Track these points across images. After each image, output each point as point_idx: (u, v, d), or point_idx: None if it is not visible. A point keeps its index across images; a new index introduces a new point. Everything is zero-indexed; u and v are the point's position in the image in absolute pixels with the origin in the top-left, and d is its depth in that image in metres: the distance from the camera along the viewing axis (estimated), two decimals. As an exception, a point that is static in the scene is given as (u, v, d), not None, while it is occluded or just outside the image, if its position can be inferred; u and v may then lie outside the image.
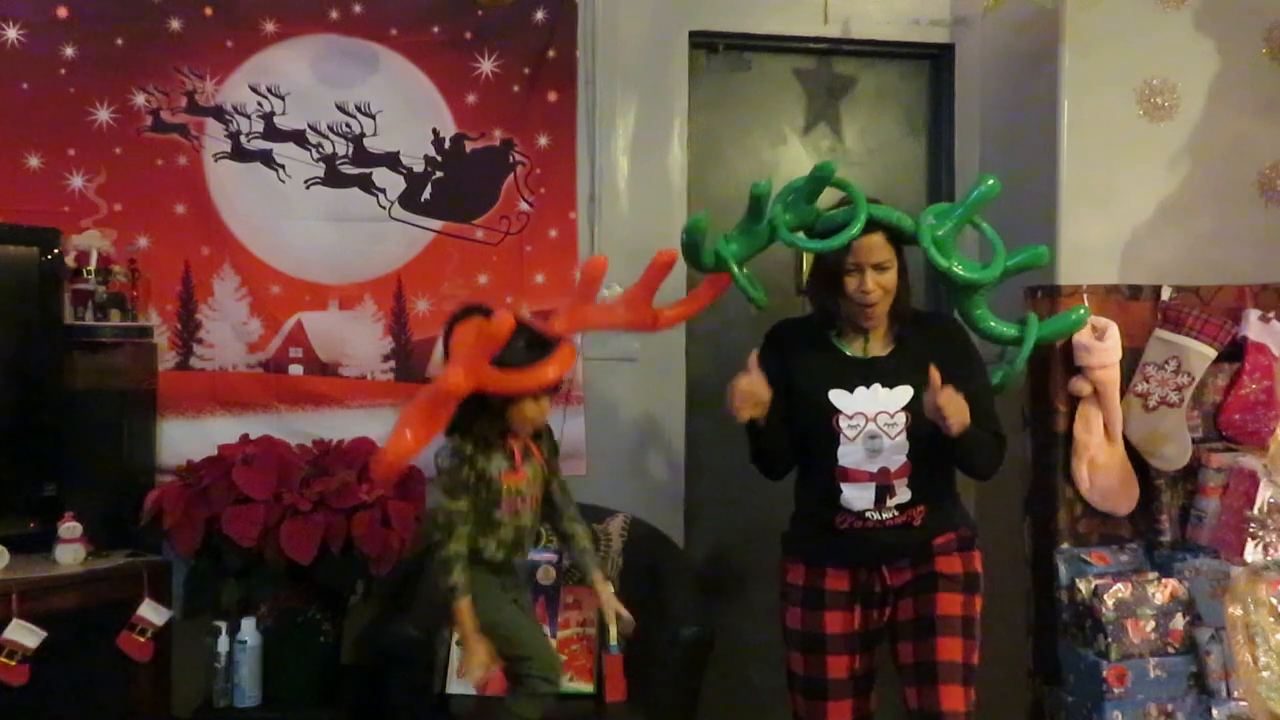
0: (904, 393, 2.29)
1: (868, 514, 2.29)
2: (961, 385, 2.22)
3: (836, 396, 2.32)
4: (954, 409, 2.17)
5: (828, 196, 2.41)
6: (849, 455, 2.29)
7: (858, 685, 2.37)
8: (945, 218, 2.32)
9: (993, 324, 2.45)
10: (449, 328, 2.27)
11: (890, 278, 2.30)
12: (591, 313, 2.42)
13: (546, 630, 2.85)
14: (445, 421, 2.14)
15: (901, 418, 2.28)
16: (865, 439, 2.28)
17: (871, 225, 2.26)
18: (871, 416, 2.29)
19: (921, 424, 2.27)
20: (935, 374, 2.19)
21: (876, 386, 2.31)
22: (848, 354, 2.38)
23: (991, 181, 2.27)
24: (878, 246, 2.28)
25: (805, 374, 2.39)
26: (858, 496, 2.29)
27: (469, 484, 2.25)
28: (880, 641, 2.40)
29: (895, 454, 2.27)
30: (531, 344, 2.20)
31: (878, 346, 2.38)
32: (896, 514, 2.30)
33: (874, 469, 2.28)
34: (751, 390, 2.31)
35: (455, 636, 2.77)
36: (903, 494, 2.29)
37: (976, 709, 2.31)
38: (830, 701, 2.36)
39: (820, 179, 2.31)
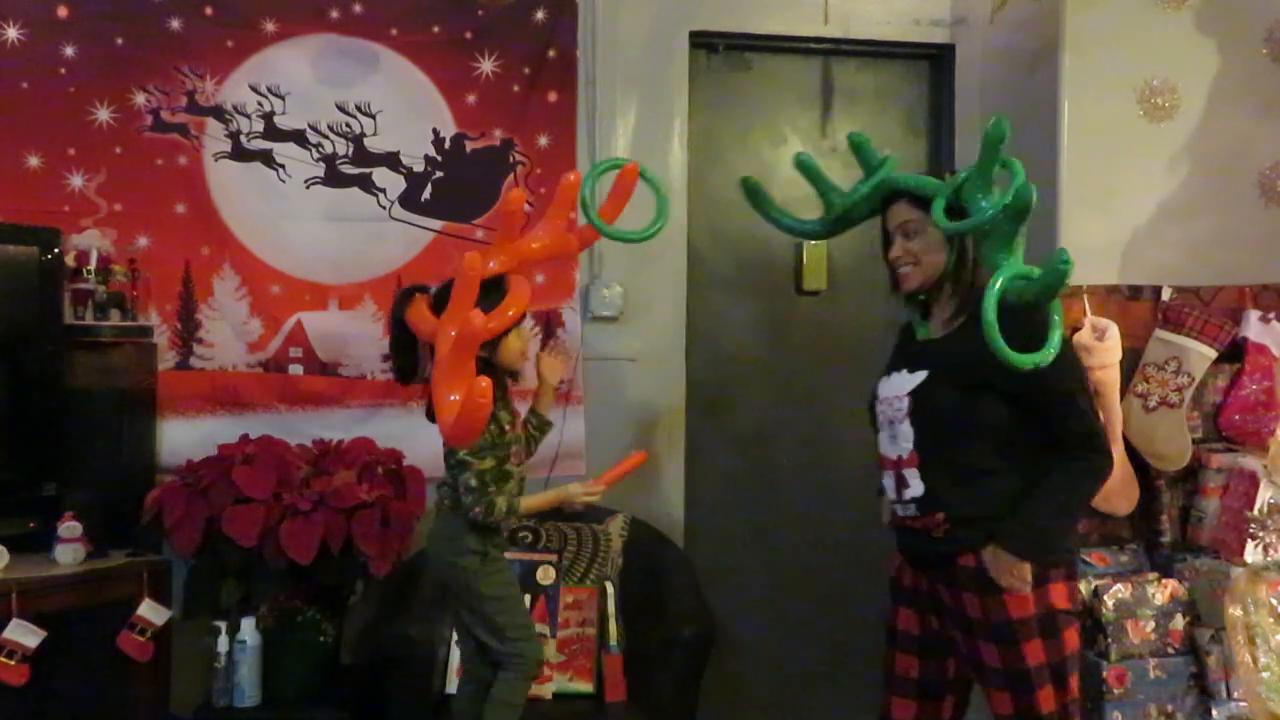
0: (918, 377, 2.17)
1: (896, 506, 2.21)
2: (1016, 383, 2.01)
3: (880, 384, 2.28)
4: (1008, 579, 2.03)
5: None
6: (880, 442, 2.25)
7: (924, 688, 2.23)
8: (967, 174, 2.14)
9: (1009, 273, 2.02)
10: (399, 315, 2.40)
11: (919, 245, 2.20)
12: (520, 247, 2.45)
13: (545, 631, 2.87)
14: (474, 368, 2.17)
15: (905, 403, 2.16)
16: (887, 425, 2.22)
17: (897, 193, 2.25)
18: (890, 401, 2.22)
19: (924, 411, 2.14)
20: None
21: (905, 371, 2.21)
22: (915, 337, 2.30)
23: (995, 119, 2.04)
24: (901, 210, 2.24)
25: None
26: (887, 484, 2.23)
27: (491, 442, 2.36)
28: (951, 650, 2.21)
29: (904, 441, 2.17)
30: (487, 287, 2.28)
31: (938, 329, 2.25)
32: (916, 514, 2.15)
33: (894, 456, 2.20)
34: None
35: (455, 638, 2.78)
36: (915, 486, 2.14)
37: None
38: (894, 697, 2.26)
39: (855, 146, 2.36)
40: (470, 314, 2.13)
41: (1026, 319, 1.97)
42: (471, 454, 2.35)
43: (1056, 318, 1.98)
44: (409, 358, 2.47)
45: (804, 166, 2.44)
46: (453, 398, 2.11)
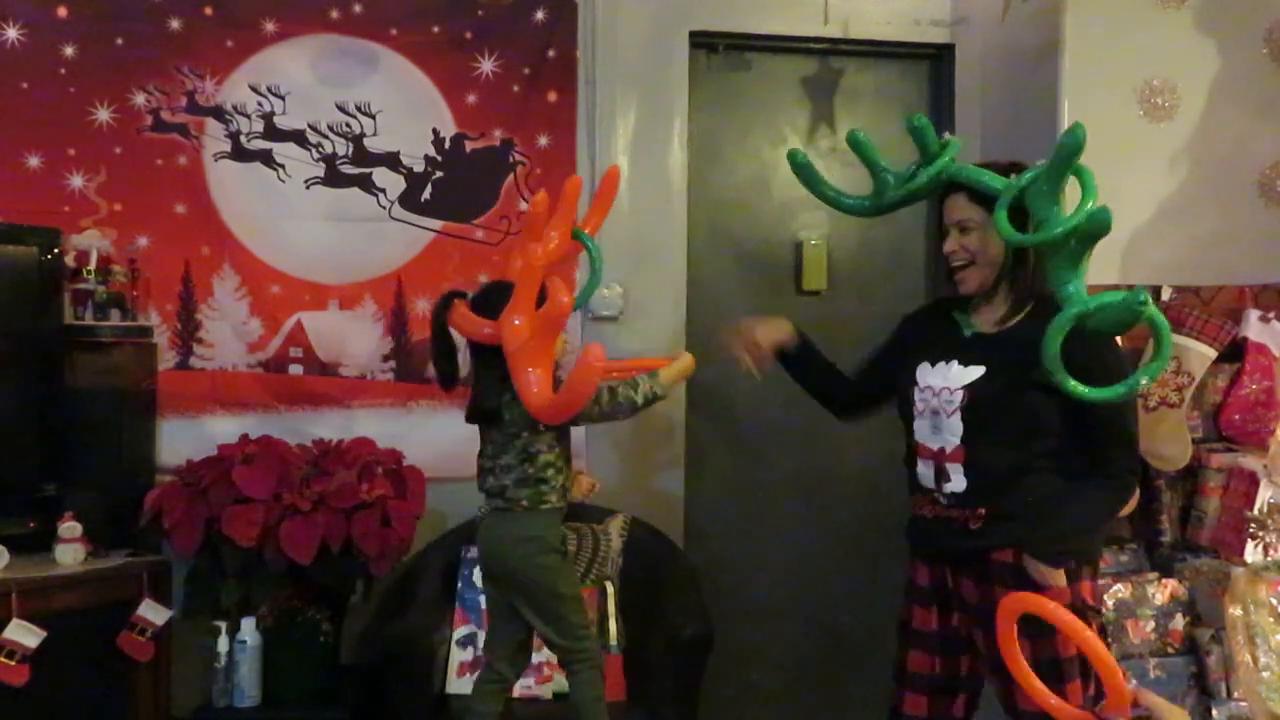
0: (974, 372, 2.16)
1: (935, 496, 2.19)
2: (1065, 401, 2.01)
3: (920, 370, 2.25)
4: (1045, 581, 2.05)
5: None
6: (919, 429, 2.23)
7: (937, 685, 2.24)
8: (1034, 176, 2.08)
9: (1076, 310, 1.99)
10: (441, 322, 2.46)
11: (977, 242, 2.18)
12: (548, 250, 2.50)
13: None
14: (554, 347, 2.34)
15: (959, 396, 2.14)
16: (930, 414, 2.20)
17: (955, 185, 2.22)
18: (937, 391, 2.19)
19: (979, 407, 2.13)
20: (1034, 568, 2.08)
21: (955, 363, 2.19)
22: (960, 330, 2.26)
23: (1073, 125, 1.98)
24: (958, 205, 2.21)
25: (911, 347, 2.33)
26: (924, 473, 2.22)
27: None
28: (967, 648, 2.22)
29: (950, 434, 2.16)
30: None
31: (989, 324, 2.23)
32: (955, 507, 2.16)
33: (935, 447, 2.19)
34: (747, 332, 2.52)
35: (455, 637, 2.79)
36: (957, 481, 2.15)
37: None
38: (906, 691, 2.27)
39: (916, 131, 2.30)
40: (553, 295, 2.21)
41: (1093, 345, 2.00)
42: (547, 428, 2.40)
43: (1155, 365, 1.95)
44: (452, 364, 2.51)
45: (857, 144, 2.36)
46: (532, 373, 2.21)
